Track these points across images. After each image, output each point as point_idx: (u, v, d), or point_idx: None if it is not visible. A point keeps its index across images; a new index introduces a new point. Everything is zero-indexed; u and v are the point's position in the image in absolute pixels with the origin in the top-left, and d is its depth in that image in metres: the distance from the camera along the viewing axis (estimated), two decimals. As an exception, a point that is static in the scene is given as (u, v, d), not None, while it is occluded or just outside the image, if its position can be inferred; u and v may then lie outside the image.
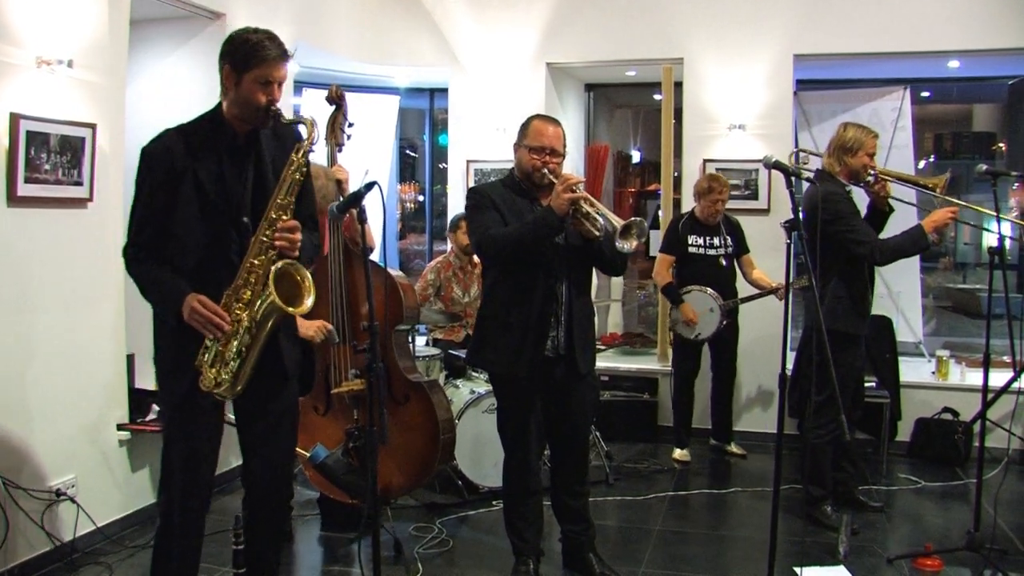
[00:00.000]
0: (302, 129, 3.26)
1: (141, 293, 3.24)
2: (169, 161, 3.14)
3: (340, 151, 4.77)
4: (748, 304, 6.37)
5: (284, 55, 3.20)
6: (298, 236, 3.20)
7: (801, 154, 5.34)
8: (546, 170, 3.96)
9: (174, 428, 3.32)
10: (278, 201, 3.17)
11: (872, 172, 4.90)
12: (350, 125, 4.78)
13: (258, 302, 3.15)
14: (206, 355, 3.17)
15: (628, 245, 3.72)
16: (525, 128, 4.08)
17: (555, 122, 4.08)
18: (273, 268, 3.12)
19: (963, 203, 4.91)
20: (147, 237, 3.19)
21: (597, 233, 3.81)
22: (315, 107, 7.29)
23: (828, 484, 5.12)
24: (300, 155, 3.21)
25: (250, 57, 3.13)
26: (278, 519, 3.61)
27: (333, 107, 4.77)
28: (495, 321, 4.07)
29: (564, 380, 4.10)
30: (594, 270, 4.31)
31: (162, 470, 3.36)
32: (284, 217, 3.17)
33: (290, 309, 3.14)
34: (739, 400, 6.89)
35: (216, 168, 3.19)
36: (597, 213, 3.80)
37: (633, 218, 3.73)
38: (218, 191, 3.18)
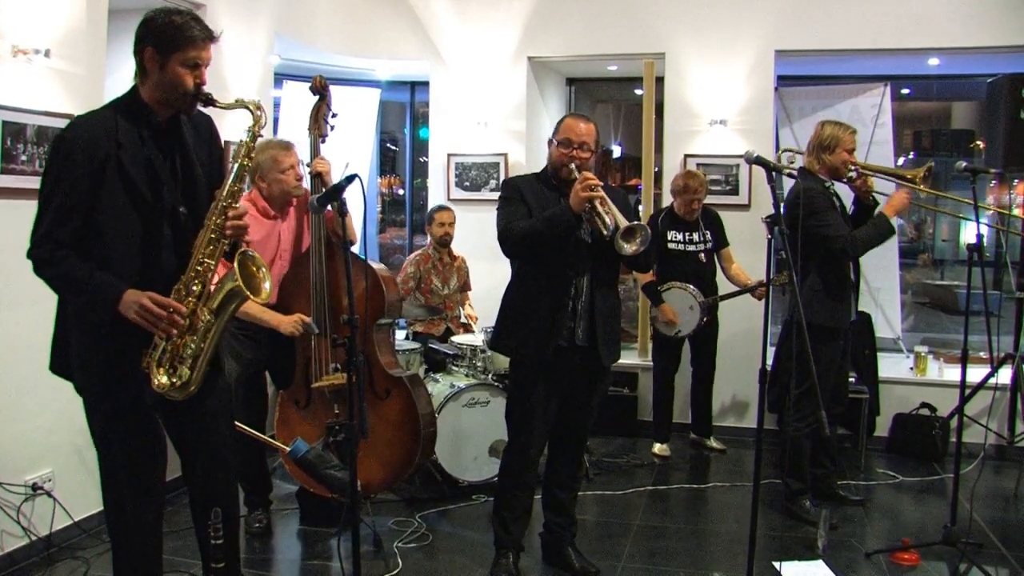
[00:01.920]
0: (247, 113, 3.13)
1: (60, 291, 3.03)
2: (91, 149, 2.92)
3: (324, 142, 4.75)
4: (728, 300, 6.38)
5: (211, 36, 3.07)
6: (247, 223, 3.13)
7: (787, 154, 5.39)
8: (572, 165, 4.01)
9: (118, 437, 3.10)
10: (229, 188, 3.06)
11: (853, 168, 4.95)
12: (334, 116, 4.75)
13: (215, 295, 3.04)
14: (154, 353, 3.01)
15: (629, 247, 3.78)
16: (559, 125, 4.17)
17: (587, 119, 4.16)
18: (237, 254, 3.04)
19: (943, 193, 4.96)
20: (66, 233, 2.92)
21: (606, 233, 3.85)
22: (297, 99, 7.28)
23: (807, 477, 5.15)
24: (251, 139, 3.11)
25: (176, 39, 2.98)
26: (230, 513, 3.42)
27: (317, 97, 4.75)
28: (515, 308, 4.15)
29: (584, 372, 4.15)
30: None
31: (104, 484, 3.17)
32: (235, 205, 3.07)
33: (253, 296, 3.04)
34: (719, 396, 6.90)
35: (142, 155, 3.01)
36: (606, 213, 3.84)
37: (636, 222, 3.79)
38: (147, 180, 3.01)
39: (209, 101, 3.08)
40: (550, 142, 4.19)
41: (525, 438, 4.18)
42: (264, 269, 3.14)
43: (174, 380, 3.02)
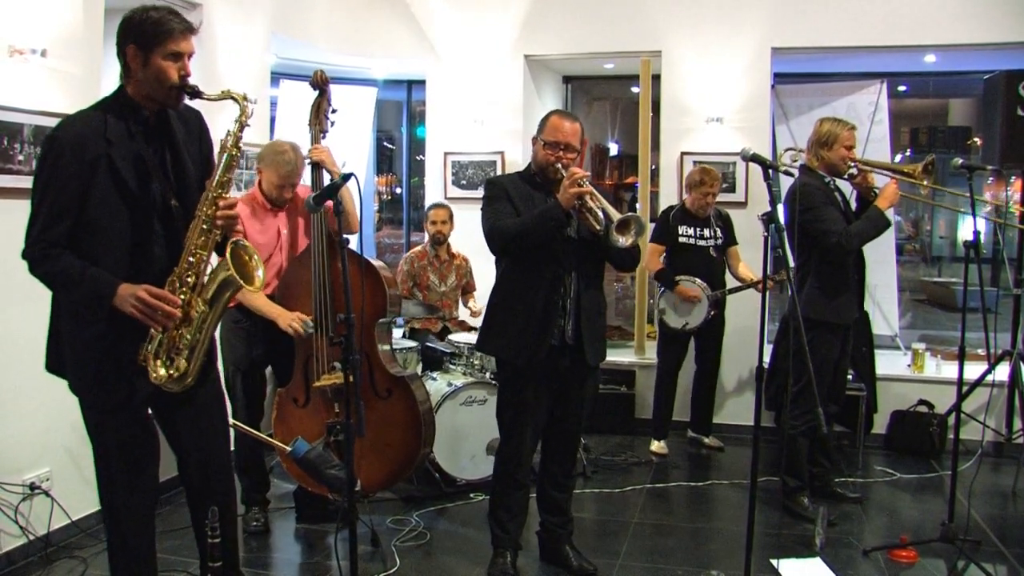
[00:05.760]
0: (233, 104, 3.17)
1: (56, 288, 3.07)
2: (80, 148, 2.96)
3: (324, 137, 4.76)
4: (733, 295, 6.39)
5: (190, 28, 3.11)
6: (237, 213, 3.16)
7: (790, 152, 5.40)
8: (559, 165, 4.00)
9: (111, 433, 3.15)
10: (219, 178, 3.09)
11: (852, 164, 4.96)
12: (334, 111, 4.76)
13: (209, 285, 3.08)
14: (150, 346, 3.05)
15: (624, 240, 3.75)
16: (543, 123, 4.13)
17: (573, 118, 4.12)
18: (229, 244, 3.07)
19: (941, 187, 4.96)
20: (59, 233, 2.97)
21: (599, 227, 3.85)
22: (294, 97, 7.27)
23: (804, 475, 5.15)
24: (238, 129, 3.14)
25: (156, 33, 3.02)
26: (229, 507, 3.46)
27: (317, 92, 4.76)
28: (503, 308, 4.13)
29: (570, 371, 4.13)
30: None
31: (100, 479, 3.21)
32: (225, 195, 3.10)
33: (246, 285, 3.07)
34: (717, 393, 6.90)
35: (132, 151, 3.06)
36: (599, 207, 3.83)
37: (630, 214, 3.76)
38: (137, 176, 3.05)
39: (196, 94, 3.11)
40: (535, 140, 4.15)
41: (518, 438, 4.17)
42: (256, 258, 3.16)
43: (171, 372, 3.07)
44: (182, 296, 3.05)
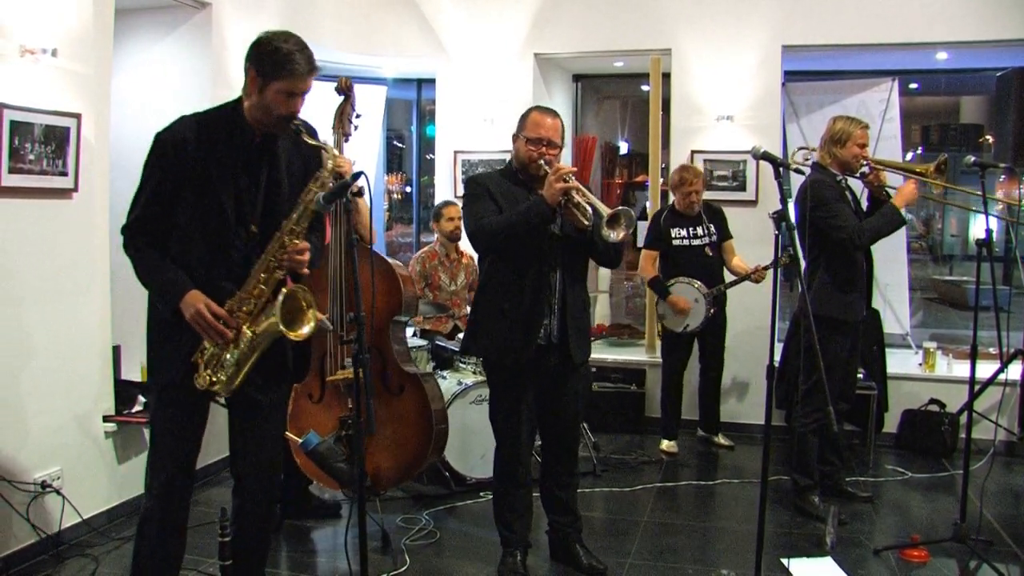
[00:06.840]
0: (323, 154, 3.25)
1: (137, 276, 3.20)
2: (182, 153, 3.09)
3: (347, 141, 4.77)
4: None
5: (313, 68, 3.16)
6: (307, 257, 3.20)
7: (802, 151, 5.39)
8: (542, 161, 3.98)
9: (159, 413, 3.31)
10: (291, 227, 3.15)
11: (865, 162, 4.95)
12: (358, 116, 4.77)
13: (261, 319, 3.15)
14: (204, 355, 3.16)
15: (615, 234, 3.73)
16: (524, 119, 4.11)
17: (553, 114, 4.11)
18: (283, 292, 3.11)
19: (954, 186, 4.94)
20: (149, 224, 3.15)
21: (586, 223, 3.83)
22: (317, 98, 7.27)
23: (814, 473, 5.13)
24: (317, 184, 3.18)
25: (279, 68, 3.07)
26: (267, 507, 3.59)
27: (341, 97, 4.76)
28: (489, 308, 4.11)
29: (557, 369, 4.13)
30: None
31: (149, 454, 3.37)
32: (295, 242, 3.16)
33: (290, 333, 3.13)
34: (727, 392, 6.89)
35: (230, 168, 3.14)
36: (587, 203, 3.81)
37: (620, 207, 3.74)
38: (229, 192, 3.14)
39: (296, 133, 3.17)
40: (515, 137, 4.13)
41: (513, 439, 4.18)
42: (313, 309, 3.21)
43: (214, 380, 3.17)
44: (239, 318, 3.15)
